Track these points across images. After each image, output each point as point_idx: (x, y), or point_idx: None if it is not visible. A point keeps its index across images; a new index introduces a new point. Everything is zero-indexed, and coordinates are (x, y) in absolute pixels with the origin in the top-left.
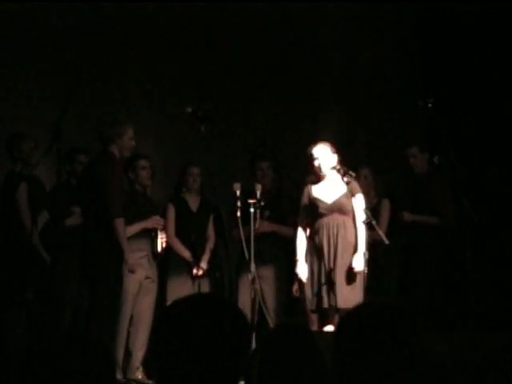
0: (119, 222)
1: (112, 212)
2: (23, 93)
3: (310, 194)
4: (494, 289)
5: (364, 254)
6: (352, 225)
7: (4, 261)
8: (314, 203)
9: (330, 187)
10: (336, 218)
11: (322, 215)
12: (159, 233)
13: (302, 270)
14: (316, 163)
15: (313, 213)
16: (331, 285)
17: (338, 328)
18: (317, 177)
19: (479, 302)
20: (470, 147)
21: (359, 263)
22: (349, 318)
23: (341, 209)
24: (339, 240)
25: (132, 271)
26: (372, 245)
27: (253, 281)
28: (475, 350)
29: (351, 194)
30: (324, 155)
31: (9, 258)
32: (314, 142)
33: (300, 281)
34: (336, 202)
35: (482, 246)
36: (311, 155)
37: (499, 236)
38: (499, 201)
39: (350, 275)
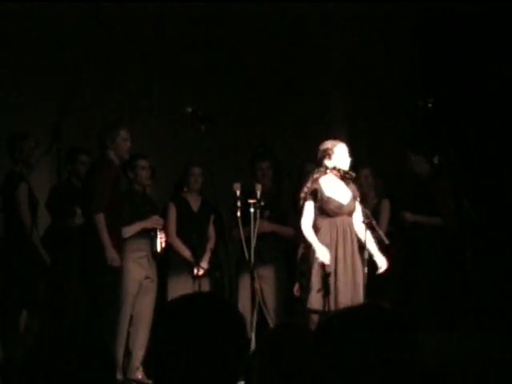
0: (98, 218)
1: (92, 208)
2: (23, 93)
3: (321, 190)
4: (494, 289)
5: (364, 253)
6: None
7: (4, 261)
8: (325, 201)
9: (343, 187)
10: (346, 219)
11: (333, 215)
12: (158, 233)
13: (324, 253)
14: (333, 161)
15: (323, 211)
16: (353, 285)
17: (320, 328)
18: (332, 174)
19: (479, 302)
20: (470, 147)
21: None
22: (332, 320)
23: (351, 211)
24: (353, 241)
25: (113, 266)
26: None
27: (253, 281)
28: (475, 349)
29: (356, 196)
30: (341, 156)
31: (9, 257)
32: (334, 139)
33: (302, 281)
34: (349, 204)
35: (481, 246)
36: (327, 151)
37: (499, 236)
38: (499, 201)
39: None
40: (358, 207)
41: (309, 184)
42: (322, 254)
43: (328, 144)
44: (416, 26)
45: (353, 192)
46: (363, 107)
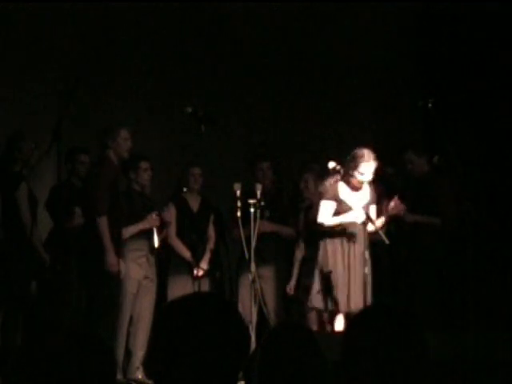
0: (101, 221)
1: (94, 211)
2: (23, 93)
3: (337, 194)
4: (493, 289)
5: (364, 253)
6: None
7: (4, 261)
8: (338, 204)
9: (359, 193)
10: (356, 225)
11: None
12: (155, 228)
13: (356, 215)
14: (363, 171)
15: (336, 214)
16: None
17: (347, 330)
18: (349, 179)
19: (479, 302)
20: (470, 147)
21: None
22: (358, 320)
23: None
24: (356, 247)
25: (113, 272)
26: (373, 245)
27: (253, 281)
28: (475, 349)
29: (372, 200)
30: (366, 173)
31: (9, 257)
32: (371, 154)
33: (301, 280)
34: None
35: (482, 245)
36: (355, 163)
37: (499, 236)
38: (499, 201)
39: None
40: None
41: (328, 183)
42: (355, 216)
43: (358, 154)
44: (416, 26)
45: (371, 197)
46: (363, 107)
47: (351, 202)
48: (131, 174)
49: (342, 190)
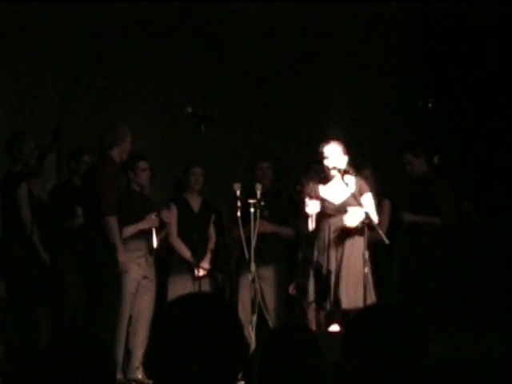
0: (111, 220)
1: (103, 210)
2: (23, 93)
3: (316, 190)
4: (494, 289)
5: (364, 253)
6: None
7: (4, 260)
8: (324, 203)
9: (338, 187)
10: (342, 219)
11: (328, 216)
12: (154, 229)
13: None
14: (325, 163)
15: (319, 212)
16: (337, 285)
17: (347, 330)
18: (325, 176)
19: (479, 302)
20: (470, 147)
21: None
22: (358, 320)
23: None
24: (346, 242)
25: (124, 271)
26: (373, 245)
27: (253, 281)
28: (475, 349)
29: (359, 193)
30: (334, 156)
31: (9, 257)
32: (327, 139)
33: (299, 281)
34: (343, 203)
35: (481, 245)
36: (322, 154)
37: (499, 236)
38: (499, 201)
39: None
40: (367, 205)
41: (310, 185)
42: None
43: (320, 148)
44: (416, 27)
45: (360, 189)
46: (364, 107)
47: (331, 195)
48: (130, 173)
49: (321, 188)
